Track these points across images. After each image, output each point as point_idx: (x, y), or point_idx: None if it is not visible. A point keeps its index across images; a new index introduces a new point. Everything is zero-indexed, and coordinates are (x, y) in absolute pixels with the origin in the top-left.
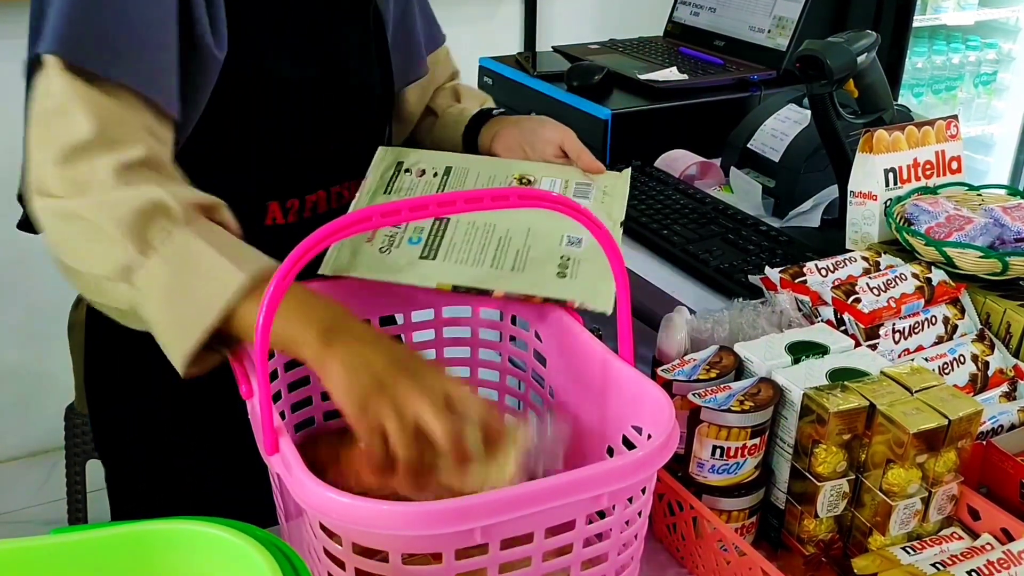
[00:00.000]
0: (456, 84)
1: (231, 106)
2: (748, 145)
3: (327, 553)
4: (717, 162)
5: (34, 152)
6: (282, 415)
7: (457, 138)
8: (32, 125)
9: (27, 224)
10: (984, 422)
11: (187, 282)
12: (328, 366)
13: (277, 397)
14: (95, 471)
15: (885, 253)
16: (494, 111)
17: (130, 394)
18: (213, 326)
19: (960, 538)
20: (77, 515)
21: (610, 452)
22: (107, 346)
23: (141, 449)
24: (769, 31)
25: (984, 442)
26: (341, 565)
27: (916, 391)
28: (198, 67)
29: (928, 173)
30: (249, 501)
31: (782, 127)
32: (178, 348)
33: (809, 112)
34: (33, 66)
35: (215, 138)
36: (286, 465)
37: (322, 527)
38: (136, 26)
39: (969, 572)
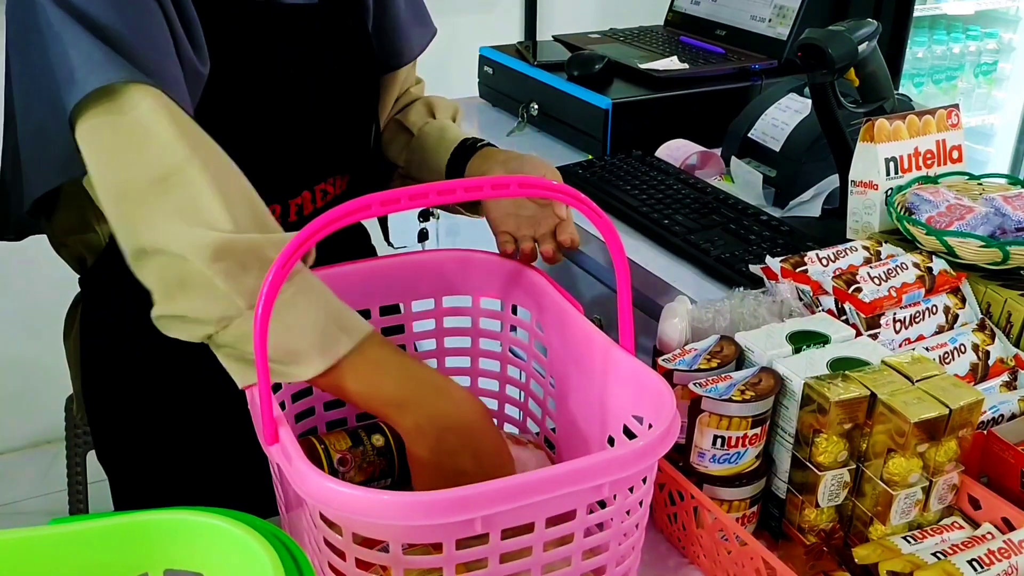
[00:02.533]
0: (427, 97)
1: (209, 118)
2: (749, 134)
3: (327, 543)
4: (718, 152)
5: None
6: (282, 405)
7: (440, 164)
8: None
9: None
10: (985, 411)
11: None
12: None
13: (277, 387)
14: (96, 462)
15: (886, 242)
16: (479, 143)
17: (128, 392)
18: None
19: (961, 527)
20: (78, 506)
21: (611, 442)
22: (103, 345)
23: (141, 446)
24: (770, 20)
25: (985, 431)
26: (341, 555)
27: (917, 380)
28: (189, 80)
29: (929, 162)
30: (251, 491)
31: (783, 116)
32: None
33: (810, 101)
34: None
35: None
36: (286, 455)
37: (322, 517)
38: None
39: (970, 561)
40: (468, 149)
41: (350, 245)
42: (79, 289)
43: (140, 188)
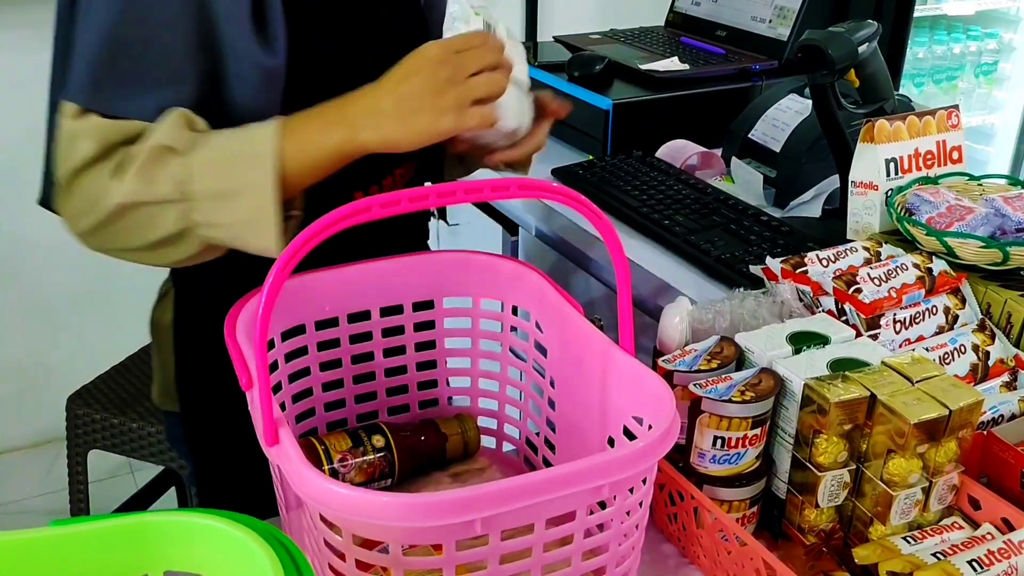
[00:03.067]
0: None
1: (299, 104)
2: (749, 135)
3: (327, 544)
4: (718, 152)
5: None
6: (282, 406)
7: None
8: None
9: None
10: (985, 412)
11: (230, 157)
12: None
13: (278, 388)
14: (96, 462)
15: (886, 243)
16: None
17: (223, 388)
18: (277, 177)
19: (961, 528)
20: (79, 505)
21: (611, 442)
22: (200, 343)
23: (232, 444)
24: (770, 21)
25: (985, 432)
26: (341, 556)
27: (917, 381)
28: (248, 79)
29: (929, 163)
30: None
31: (783, 117)
32: (263, 224)
33: (810, 102)
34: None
35: None
36: (286, 456)
37: (322, 518)
38: (154, 63)
39: (970, 562)
40: None
41: (406, 234)
42: (80, 290)
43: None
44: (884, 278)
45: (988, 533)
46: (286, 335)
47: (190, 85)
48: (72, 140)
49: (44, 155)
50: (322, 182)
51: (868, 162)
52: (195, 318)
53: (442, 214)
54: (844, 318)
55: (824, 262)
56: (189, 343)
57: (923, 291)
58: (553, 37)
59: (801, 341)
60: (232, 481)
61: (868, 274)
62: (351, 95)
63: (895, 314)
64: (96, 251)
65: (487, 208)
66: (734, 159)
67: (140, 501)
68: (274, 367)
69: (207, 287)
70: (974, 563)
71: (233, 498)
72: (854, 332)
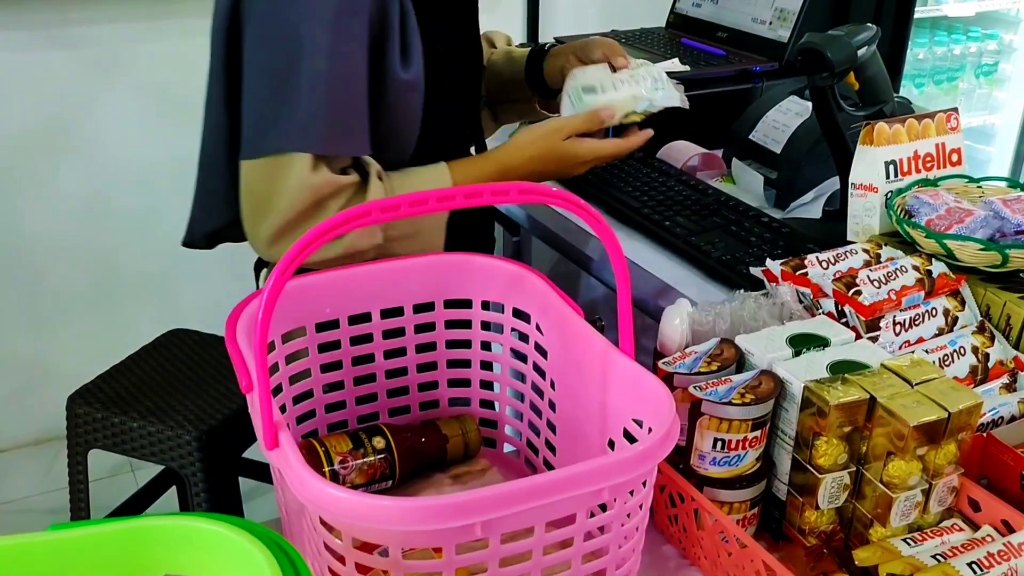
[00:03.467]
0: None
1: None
2: (750, 136)
3: (327, 548)
4: (719, 153)
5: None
6: (283, 408)
7: (518, 76)
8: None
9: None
10: (984, 414)
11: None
12: None
13: (278, 390)
14: (97, 461)
15: (886, 245)
16: (547, 46)
17: None
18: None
19: (961, 529)
20: (79, 505)
21: (611, 445)
22: None
23: None
24: (771, 22)
25: (984, 434)
26: (341, 560)
27: (916, 384)
28: (394, 94)
29: (928, 165)
30: None
31: (784, 119)
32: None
33: (810, 104)
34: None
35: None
36: (285, 460)
37: (322, 522)
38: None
39: (970, 564)
40: (539, 54)
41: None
42: (80, 289)
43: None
44: (884, 280)
45: (988, 535)
46: (286, 337)
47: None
48: (310, 192)
49: (197, 196)
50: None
51: (868, 164)
52: None
53: None
54: (844, 320)
55: (824, 264)
56: None
57: (923, 293)
58: (554, 38)
59: (801, 343)
60: None
61: (868, 276)
62: (498, 154)
63: (895, 316)
64: None
65: (489, 207)
66: (735, 160)
67: (141, 500)
68: (275, 369)
69: None
70: (974, 565)
71: None
72: (854, 334)
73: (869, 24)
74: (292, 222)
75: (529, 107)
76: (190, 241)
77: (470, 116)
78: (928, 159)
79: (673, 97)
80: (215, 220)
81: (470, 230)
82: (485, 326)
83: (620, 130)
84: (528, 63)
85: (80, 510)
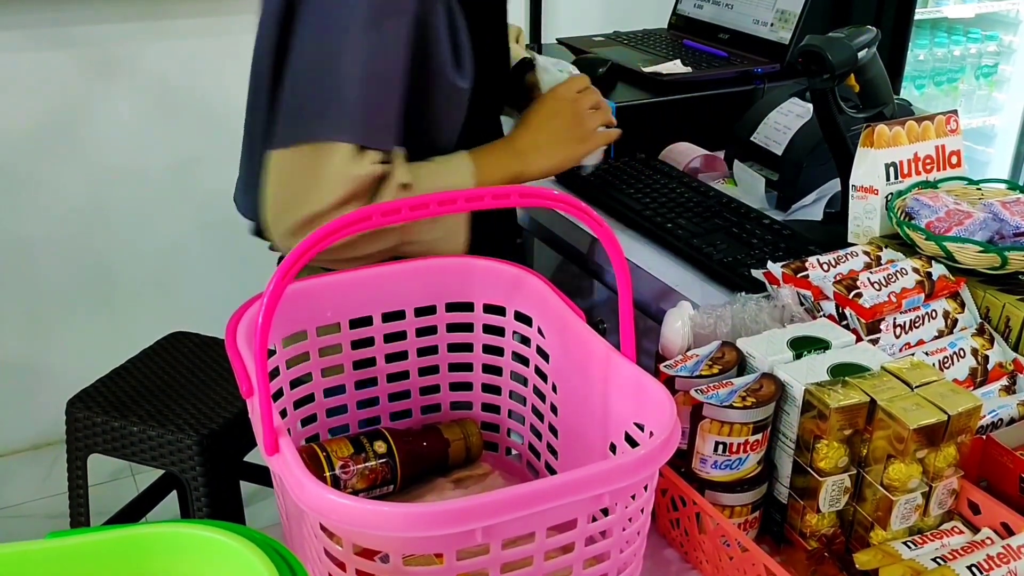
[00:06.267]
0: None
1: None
2: (751, 138)
3: (328, 554)
4: (721, 155)
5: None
6: (283, 412)
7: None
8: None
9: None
10: (984, 416)
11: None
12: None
13: (279, 395)
14: (97, 465)
15: (887, 247)
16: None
17: None
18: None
19: (961, 532)
20: (79, 510)
21: (612, 448)
22: None
23: None
24: (772, 24)
25: (984, 436)
26: (342, 566)
27: (916, 387)
28: (446, 100)
29: (928, 167)
30: None
31: (785, 120)
32: (455, 239)
33: (811, 106)
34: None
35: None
36: (286, 466)
37: (322, 528)
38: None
39: (969, 567)
40: (524, 66)
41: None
42: (80, 292)
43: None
44: (884, 283)
45: (988, 538)
46: (287, 341)
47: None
48: (352, 181)
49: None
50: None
51: (868, 166)
52: None
53: None
54: (845, 322)
55: (825, 267)
56: None
57: (923, 295)
58: (556, 39)
59: (802, 346)
60: None
61: (868, 279)
62: (513, 134)
63: (895, 319)
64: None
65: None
66: (736, 162)
67: (141, 505)
68: (275, 373)
69: None
70: (974, 568)
71: None
72: (854, 337)
73: (869, 26)
74: (324, 212)
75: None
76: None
77: (495, 127)
78: (928, 161)
79: None
80: None
81: (496, 225)
82: (487, 329)
83: None
84: (512, 75)
85: (80, 515)
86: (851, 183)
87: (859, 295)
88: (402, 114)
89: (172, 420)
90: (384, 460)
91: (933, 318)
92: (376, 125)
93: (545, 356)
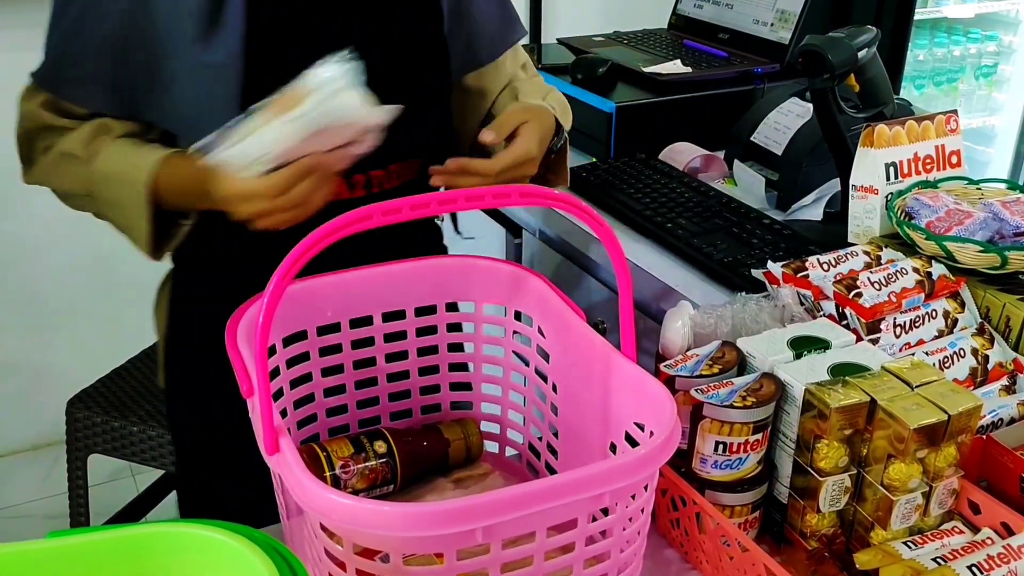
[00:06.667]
0: (514, 83)
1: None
2: (751, 138)
3: (328, 554)
4: (721, 155)
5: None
6: (283, 412)
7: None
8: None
9: None
10: (984, 416)
11: (115, 174)
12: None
13: (279, 395)
14: (97, 465)
15: (887, 247)
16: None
17: (207, 362)
18: (148, 203)
19: (961, 532)
20: (79, 510)
21: (613, 448)
22: (187, 330)
23: (215, 419)
24: (772, 24)
25: (984, 436)
26: (342, 566)
27: (916, 386)
28: (194, 79)
29: (928, 167)
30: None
31: (785, 120)
32: (137, 233)
33: (811, 106)
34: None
35: None
36: (286, 465)
37: (323, 528)
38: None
39: (970, 567)
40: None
41: (421, 240)
42: (80, 292)
43: None
44: (884, 282)
45: (988, 538)
46: (287, 340)
47: (122, 91)
48: (23, 109)
49: None
50: None
51: (868, 166)
52: (187, 298)
53: (455, 225)
54: (845, 322)
55: (825, 266)
56: (180, 326)
57: (923, 295)
58: (557, 39)
59: (802, 346)
60: (217, 488)
61: (868, 278)
62: (213, 176)
63: (895, 318)
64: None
65: (490, 210)
66: (736, 162)
67: (141, 505)
68: (275, 373)
69: (202, 267)
70: (974, 568)
71: (212, 493)
72: (854, 337)
73: (869, 26)
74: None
75: None
76: None
77: None
78: (928, 161)
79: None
80: None
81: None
82: (487, 329)
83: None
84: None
85: (79, 515)
86: (851, 183)
87: (859, 295)
88: (119, 80)
89: None
90: (384, 460)
91: (933, 318)
92: (59, 79)
93: (545, 356)
